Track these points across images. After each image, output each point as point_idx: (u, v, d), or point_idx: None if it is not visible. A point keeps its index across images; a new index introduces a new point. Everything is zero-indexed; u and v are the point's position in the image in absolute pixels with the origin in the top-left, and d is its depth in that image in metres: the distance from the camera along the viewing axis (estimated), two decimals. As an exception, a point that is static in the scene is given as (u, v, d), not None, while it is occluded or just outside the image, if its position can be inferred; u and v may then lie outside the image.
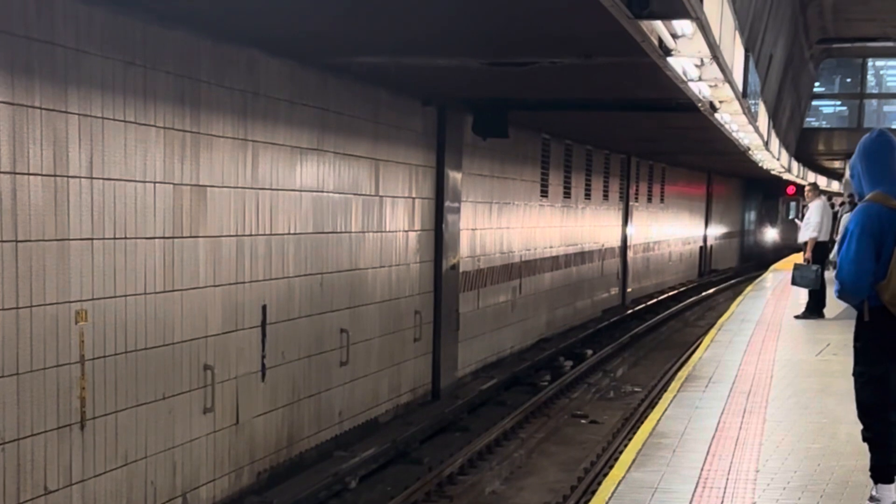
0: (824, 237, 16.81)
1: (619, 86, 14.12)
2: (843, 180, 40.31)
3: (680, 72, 10.50)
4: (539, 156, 21.92)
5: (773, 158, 27.05)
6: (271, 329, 11.39)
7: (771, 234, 53.85)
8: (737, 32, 12.63)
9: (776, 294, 22.10)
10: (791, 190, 47.65)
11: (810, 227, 16.93)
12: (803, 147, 42.02)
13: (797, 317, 17.13)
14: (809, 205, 17.66)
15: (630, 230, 30.77)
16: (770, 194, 52.63)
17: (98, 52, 8.44)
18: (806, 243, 17.02)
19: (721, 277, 43.79)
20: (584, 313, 26.35)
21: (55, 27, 7.95)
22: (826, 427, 9.29)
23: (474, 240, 18.04)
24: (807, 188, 18.45)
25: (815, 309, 16.98)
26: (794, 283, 16.59)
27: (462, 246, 17.23)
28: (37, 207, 7.84)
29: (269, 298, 11.32)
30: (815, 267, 16.27)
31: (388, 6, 9.05)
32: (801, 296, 17.36)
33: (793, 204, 51.14)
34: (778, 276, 27.29)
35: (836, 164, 45.50)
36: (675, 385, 11.40)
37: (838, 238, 5.54)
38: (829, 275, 18.27)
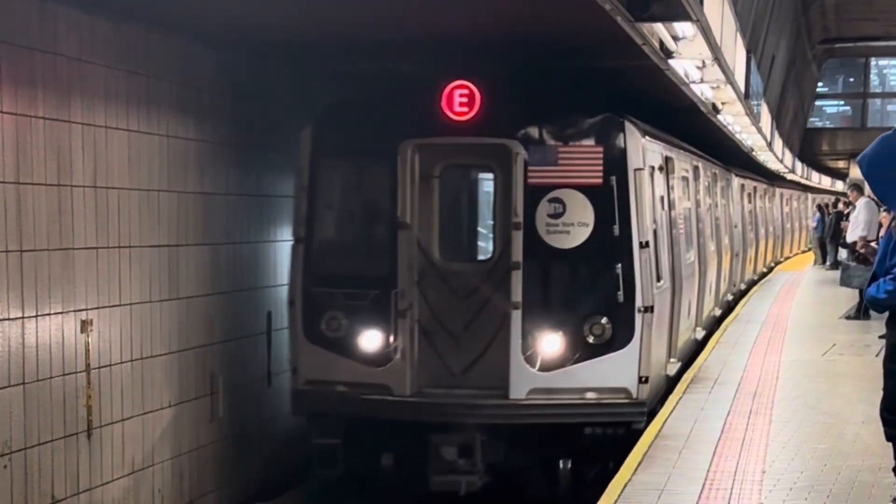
0: (874, 236, 16.38)
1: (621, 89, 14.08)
2: (848, 180, 40.33)
3: (682, 74, 10.53)
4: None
5: (777, 159, 27.09)
6: (277, 335, 11.39)
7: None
8: (738, 34, 12.65)
9: (781, 295, 22.07)
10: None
11: (859, 225, 16.55)
12: (807, 147, 42.04)
13: (848, 318, 16.86)
14: (856, 203, 17.35)
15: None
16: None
17: (101, 62, 8.46)
18: (853, 243, 16.63)
19: None
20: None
21: (58, 37, 7.97)
22: (832, 427, 9.28)
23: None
24: (850, 191, 18.20)
25: (866, 310, 16.66)
26: (842, 283, 16.32)
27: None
28: (41, 217, 7.85)
29: (273, 305, 11.32)
30: (865, 266, 15.85)
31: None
32: (808, 295, 17.29)
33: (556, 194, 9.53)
34: (783, 276, 27.23)
35: (840, 164, 45.53)
36: (680, 387, 11.39)
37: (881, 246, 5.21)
38: (833, 274, 17.99)
